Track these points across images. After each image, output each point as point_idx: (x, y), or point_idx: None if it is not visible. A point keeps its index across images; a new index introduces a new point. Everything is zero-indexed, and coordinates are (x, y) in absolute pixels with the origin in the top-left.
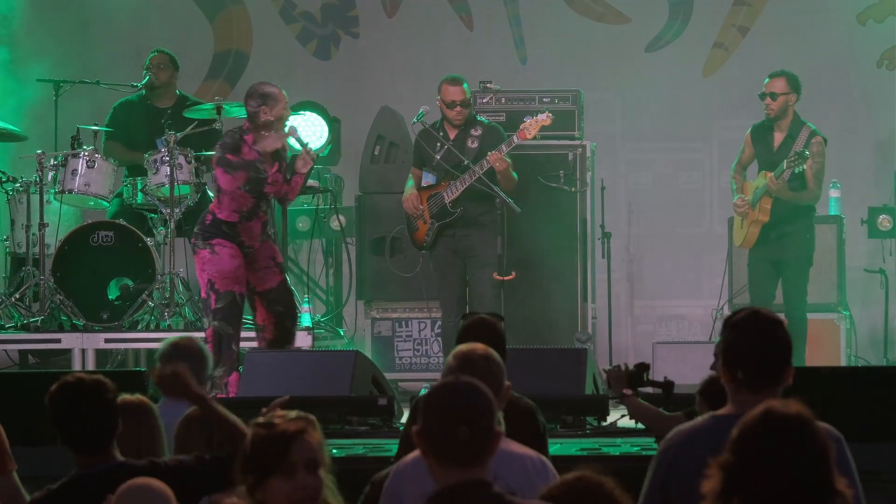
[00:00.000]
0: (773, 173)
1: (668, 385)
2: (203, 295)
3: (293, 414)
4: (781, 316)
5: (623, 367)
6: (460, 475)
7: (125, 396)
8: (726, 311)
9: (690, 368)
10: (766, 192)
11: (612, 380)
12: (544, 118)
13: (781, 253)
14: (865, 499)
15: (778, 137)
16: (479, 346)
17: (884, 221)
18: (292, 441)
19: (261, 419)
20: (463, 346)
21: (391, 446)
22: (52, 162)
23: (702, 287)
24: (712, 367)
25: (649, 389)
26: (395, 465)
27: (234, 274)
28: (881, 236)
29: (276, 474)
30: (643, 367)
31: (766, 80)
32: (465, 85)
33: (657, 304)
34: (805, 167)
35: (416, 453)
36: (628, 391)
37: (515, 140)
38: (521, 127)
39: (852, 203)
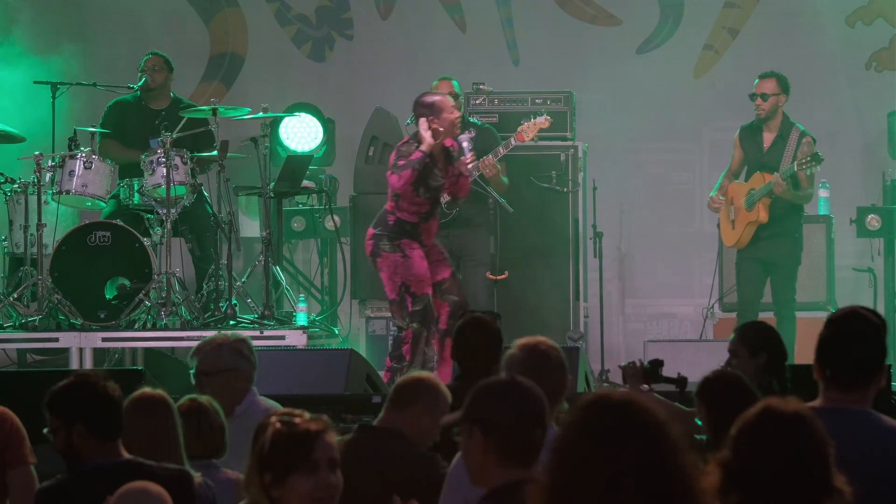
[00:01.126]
0: (780, 174)
1: (681, 381)
2: (394, 296)
3: (308, 415)
4: (875, 318)
5: (638, 364)
6: (521, 474)
7: (144, 390)
8: (717, 310)
9: (681, 366)
10: (768, 194)
11: (629, 376)
12: (542, 121)
13: (771, 252)
14: None
15: (768, 138)
16: (542, 339)
17: (872, 221)
18: (316, 439)
19: (275, 418)
20: (529, 339)
21: None
22: (49, 163)
23: (692, 286)
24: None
25: (664, 385)
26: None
27: (427, 276)
28: (869, 235)
29: (299, 472)
30: (658, 364)
31: (756, 81)
32: (454, 81)
33: (648, 302)
34: (796, 168)
35: None
36: (645, 386)
37: (513, 142)
38: (518, 129)
39: (841, 203)
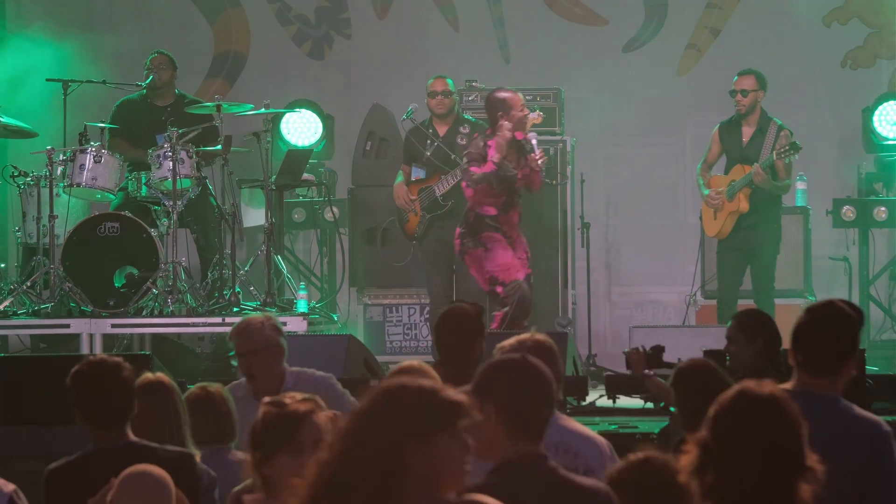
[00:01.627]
0: (760, 164)
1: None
2: (487, 289)
3: (300, 396)
4: (849, 310)
5: (641, 350)
6: (530, 448)
7: (147, 375)
8: (699, 297)
9: (665, 351)
10: (748, 184)
11: (633, 361)
12: (535, 116)
13: (751, 242)
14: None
15: (747, 132)
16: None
17: (847, 212)
18: (302, 420)
19: (268, 398)
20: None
21: None
22: (61, 157)
23: (675, 274)
24: None
25: (664, 370)
26: None
27: (513, 263)
28: (845, 226)
29: (284, 451)
30: (660, 350)
31: (736, 77)
32: (448, 80)
33: (634, 290)
34: (775, 157)
35: None
36: (649, 371)
37: None
38: None
39: (818, 195)
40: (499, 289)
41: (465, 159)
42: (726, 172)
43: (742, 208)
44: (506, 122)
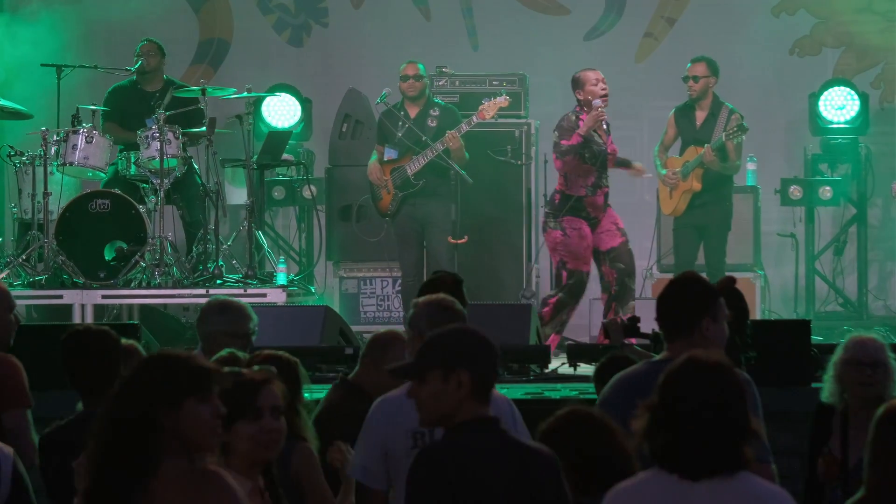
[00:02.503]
0: (710, 145)
1: (655, 336)
2: (555, 269)
3: (257, 367)
4: (694, 276)
5: (619, 320)
6: (484, 411)
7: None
8: (655, 271)
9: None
10: (700, 164)
11: (613, 331)
12: (502, 100)
13: (704, 219)
14: (779, 435)
15: (700, 116)
16: (445, 298)
17: (794, 191)
18: (260, 388)
19: (227, 368)
20: (430, 298)
21: None
22: (54, 138)
23: (633, 249)
24: None
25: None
26: (378, 402)
27: (584, 255)
28: (792, 204)
29: (244, 418)
30: (636, 320)
31: (689, 65)
32: (419, 65)
33: (593, 264)
34: (724, 139)
35: (398, 390)
36: (629, 340)
37: (475, 119)
38: (480, 108)
39: (767, 175)
40: (563, 273)
41: (555, 133)
42: (681, 154)
43: (695, 187)
44: (596, 100)
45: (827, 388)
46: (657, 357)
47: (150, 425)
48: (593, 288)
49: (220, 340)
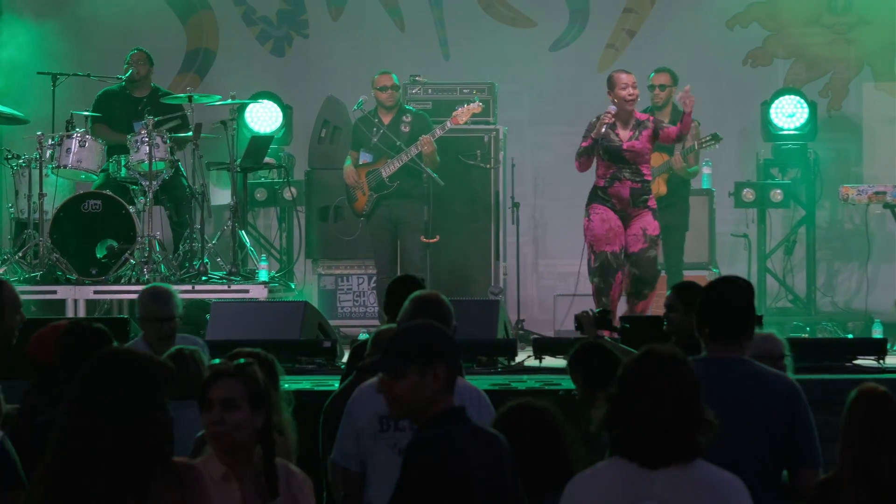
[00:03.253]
0: (681, 153)
1: (622, 329)
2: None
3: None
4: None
5: (591, 314)
6: (452, 401)
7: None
8: None
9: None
10: (667, 170)
11: (586, 323)
12: (475, 106)
13: (665, 221)
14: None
15: None
16: (432, 293)
17: (747, 194)
18: (211, 383)
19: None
20: (418, 293)
21: (334, 381)
22: (50, 142)
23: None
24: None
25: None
26: (356, 389)
27: (605, 236)
28: (745, 206)
29: (202, 411)
30: (607, 313)
31: (652, 74)
32: (393, 75)
33: (558, 262)
34: (696, 147)
35: (372, 380)
36: (603, 332)
37: (448, 125)
38: (454, 113)
39: (721, 179)
40: (591, 257)
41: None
42: None
43: (661, 191)
44: (610, 106)
45: None
46: (700, 356)
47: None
48: (560, 285)
49: (148, 326)
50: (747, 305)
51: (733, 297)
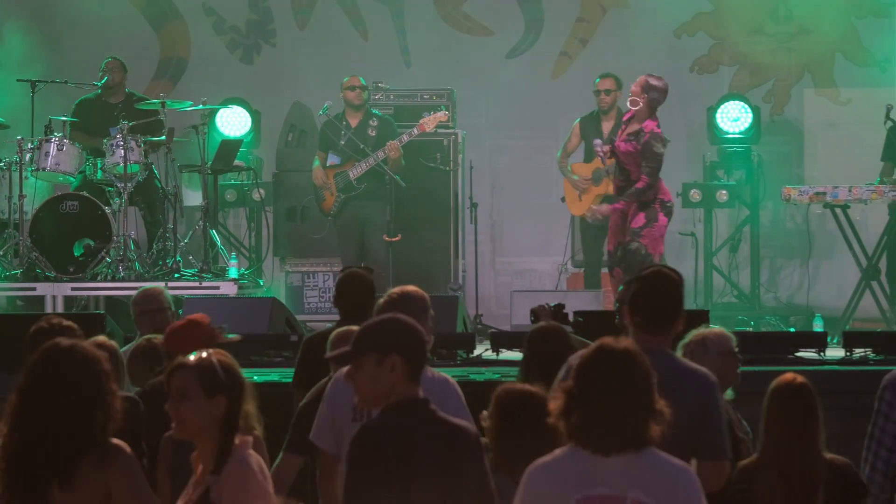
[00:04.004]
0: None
1: (577, 322)
2: None
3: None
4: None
5: (547, 307)
6: (415, 392)
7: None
8: (569, 266)
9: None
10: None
11: (543, 316)
12: (442, 115)
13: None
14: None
15: (607, 126)
16: (410, 288)
17: (694, 195)
18: (170, 374)
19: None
20: (397, 288)
21: None
22: (29, 146)
23: (549, 247)
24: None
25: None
26: (335, 376)
27: (611, 228)
28: (692, 206)
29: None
30: (561, 307)
31: (598, 80)
32: (361, 78)
33: (514, 260)
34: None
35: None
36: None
37: (416, 131)
38: (421, 121)
39: (670, 180)
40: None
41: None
42: (587, 161)
43: (609, 190)
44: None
45: None
46: None
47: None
48: (516, 281)
49: (144, 321)
50: (678, 298)
51: (665, 288)
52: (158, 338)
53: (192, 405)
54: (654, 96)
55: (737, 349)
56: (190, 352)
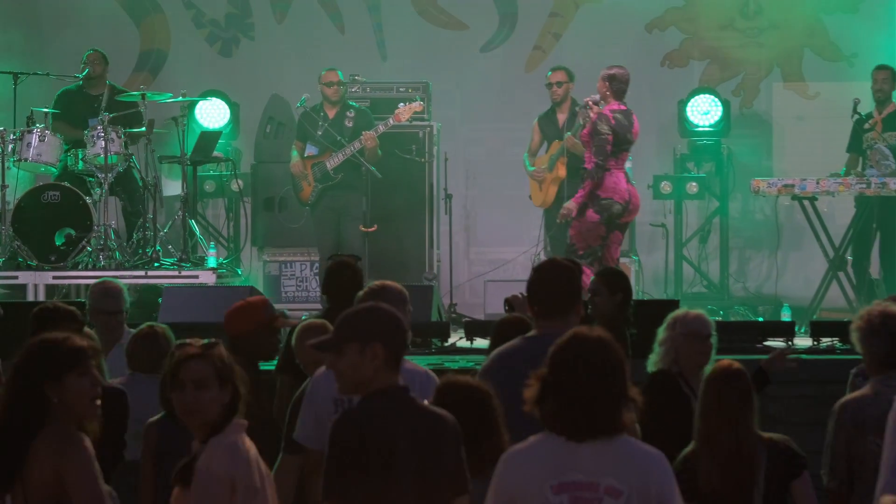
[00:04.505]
0: (570, 133)
1: None
2: None
3: (199, 343)
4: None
5: (520, 296)
6: (395, 380)
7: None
8: (542, 256)
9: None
10: (563, 153)
11: (517, 305)
12: (416, 105)
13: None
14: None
15: (561, 118)
16: (389, 282)
17: (665, 187)
18: (181, 364)
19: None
20: (377, 282)
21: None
22: (11, 137)
23: (522, 237)
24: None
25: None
26: (315, 373)
27: None
28: (663, 198)
29: (173, 390)
30: None
31: (549, 73)
32: (339, 72)
33: (488, 250)
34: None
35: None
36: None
37: (391, 122)
38: (396, 111)
39: (641, 172)
40: None
41: None
42: (546, 153)
43: (561, 174)
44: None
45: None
46: (529, 335)
47: (39, 396)
48: (490, 271)
49: (99, 317)
50: (570, 284)
51: (556, 277)
52: (161, 326)
53: (209, 395)
54: (616, 85)
55: (711, 335)
56: (248, 333)
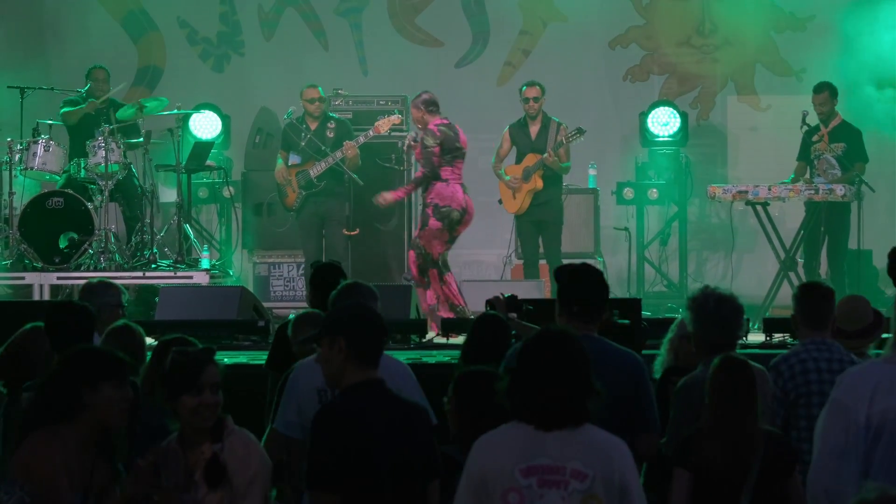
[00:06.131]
0: (552, 149)
1: (528, 312)
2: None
3: (200, 345)
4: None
5: (500, 297)
6: (371, 374)
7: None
8: (513, 258)
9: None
10: (541, 166)
11: (499, 306)
12: (395, 118)
13: (541, 216)
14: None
15: (534, 130)
16: (360, 281)
17: (627, 193)
18: (203, 366)
19: (175, 347)
20: (349, 282)
21: (266, 356)
22: (18, 147)
23: (495, 240)
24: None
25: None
26: (298, 364)
27: None
28: (625, 203)
29: (187, 393)
30: (515, 297)
31: (524, 87)
32: (319, 88)
33: (463, 252)
34: (565, 141)
35: (312, 356)
36: (513, 314)
37: (371, 133)
38: (376, 123)
39: (605, 179)
40: None
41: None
42: (518, 162)
43: (538, 186)
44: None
45: (663, 358)
46: None
47: (73, 396)
48: (465, 272)
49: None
50: (606, 288)
51: (597, 279)
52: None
53: (220, 396)
54: (430, 107)
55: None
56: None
